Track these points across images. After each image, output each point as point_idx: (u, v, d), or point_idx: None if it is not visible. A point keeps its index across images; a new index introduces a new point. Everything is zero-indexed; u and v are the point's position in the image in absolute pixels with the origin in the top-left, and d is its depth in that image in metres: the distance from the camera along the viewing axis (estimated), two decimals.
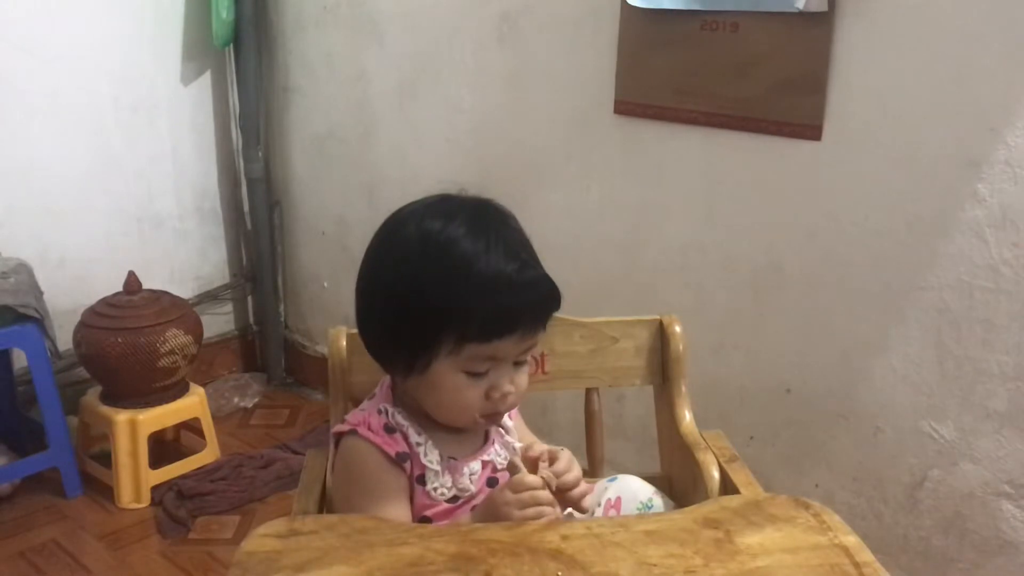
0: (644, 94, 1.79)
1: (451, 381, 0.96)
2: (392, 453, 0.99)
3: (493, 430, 1.07)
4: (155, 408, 2.20)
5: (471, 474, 1.02)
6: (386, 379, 1.06)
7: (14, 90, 2.24)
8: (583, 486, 0.98)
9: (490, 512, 0.94)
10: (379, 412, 1.02)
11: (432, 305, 0.93)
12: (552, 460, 0.97)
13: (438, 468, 1.00)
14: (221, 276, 2.76)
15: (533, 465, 0.96)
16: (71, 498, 2.17)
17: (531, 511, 0.91)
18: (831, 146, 1.58)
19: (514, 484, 0.93)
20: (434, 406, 1.00)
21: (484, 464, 1.04)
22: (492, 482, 1.03)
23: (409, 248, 0.96)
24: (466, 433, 1.04)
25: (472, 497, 1.02)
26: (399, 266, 0.96)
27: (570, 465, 0.98)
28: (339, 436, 1.03)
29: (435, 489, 1.00)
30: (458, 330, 0.93)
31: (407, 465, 0.99)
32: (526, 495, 0.92)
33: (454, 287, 0.93)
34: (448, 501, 1.01)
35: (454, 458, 1.02)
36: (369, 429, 1.00)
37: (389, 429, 1.00)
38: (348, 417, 1.04)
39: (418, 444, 1.00)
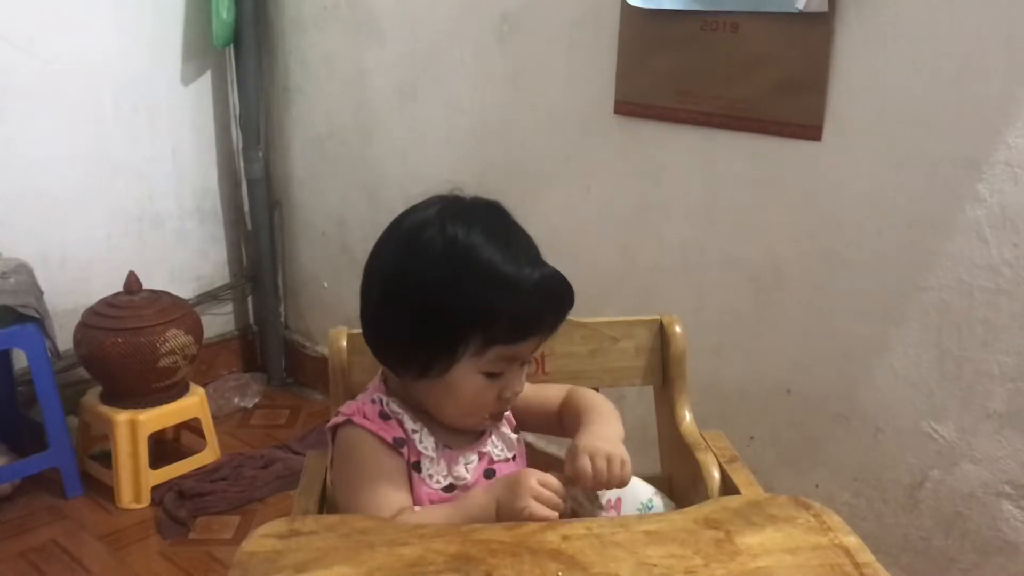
0: (644, 94, 1.79)
1: (470, 383, 0.97)
2: (389, 438, 1.00)
3: None
4: (155, 408, 2.20)
5: (467, 463, 1.03)
6: (377, 373, 1.07)
7: (14, 90, 2.24)
8: (615, 464, 0.97)
9: (507, 488, 0.93)
10: (373, 402, 1.03)
11: (460, 311, 0.94)
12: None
13: (433, 455, 1.01)
14: (221, 276, 2.76)
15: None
16: (71, 498, 2.17)
17: (541, 509, 0.91)
18: (831, 146, 1.58)
19: (548, 481, 0.93)
20: (448, 408, 1.00)
21: (481, 455, 1.05)
22: (489, 473, 1.04)
23: (432, 256, 0.96)
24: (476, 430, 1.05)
25: (467, 487, 1.02)
26: (423, 274, 0.96)
27: (585, 466, 0.97)
28: (335, 429, 1.03)
29: (430, 476, 1.01)
30: (485, 334, 0.95)
31: (404, 450, 1.00)
32: (549, 495, 0.92)
33: (483, 293, 0.94)
34: (444, 490, 1.01)
35: (449, 447, 1.03)
36: (364, 417, 1.01)
37: (384, 416, 1.01)
38: (342, 408, 1.04)
39: (413, 431, 1.01)
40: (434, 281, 0.95)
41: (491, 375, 0.98)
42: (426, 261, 0.96)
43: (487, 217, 0.99)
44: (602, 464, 0.96)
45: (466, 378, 0.97)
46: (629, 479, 0.98)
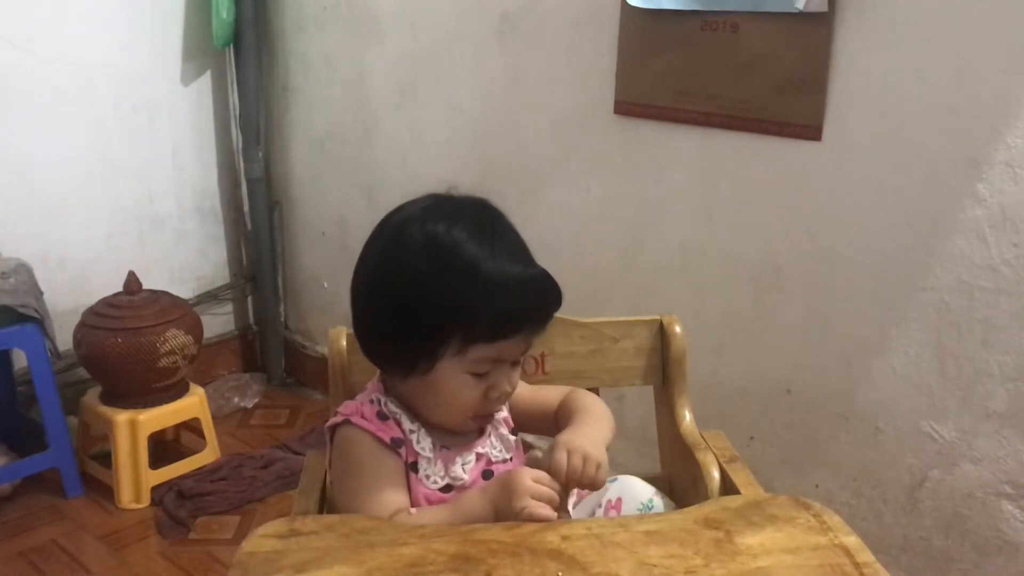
0: (644, 94, 1.79)
1: (454, 382, 0.97)
2: (387, 439, 1.00)
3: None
4: (155, 408, 2.20)
5: (464, 463, 1.03)
6: (376, 373, 1.07)
7: (14, 90, 2.24)
8: (590, 465, 0.96)
9: (503, 489, 0.93)
10: (371, 402, 1.03)
11: (439, 307, 0.94)
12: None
13: (430, 455, 1.01)
14: (221, 276, 2.76)
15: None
16: (71, 498, 2.17)
17: (540, 508, 0.90)
18: (831, 146, 1.58)
19: (542, 477, 0.92)
20: (431, 406, 1.01)
21: (479, 456, 1.05)
22: (487, 474, 1.04)
23: (414, 252, 0.96)
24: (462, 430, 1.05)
25: (465, 488, 1.02)
26: (404, 269, 0.97)
27: (561, 461, 0.96)
28: (333, 429, 1.04)
29: (427, 477, 1.01)
30: (465, 332, 0.94)
31: (402, 451, 1.00)
32: (547, 491, 0.91)
33: (462, 290, 0.94)
34: (441, 490, 1.01)
35: (447, 447, 1.03)
36: (362, 417, 1.01)
37: (382, 416, 1.01)
38: (340, 409, 1.05)
39: (411, 431, 1.01)
40: (414, 278, 0.95)
41: (477, 375, 0.97)
42: (407, 258, 0.96)
43: (472, 215, 0.98)
44: (577, 462, 0.95)
45: (450, 377, 0.97)
46: (602, 483, 0.98)
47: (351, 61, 2.40)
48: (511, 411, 1.11)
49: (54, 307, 2.20)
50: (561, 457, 0.95)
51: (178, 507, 2.11)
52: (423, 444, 1.01)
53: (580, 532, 0.87)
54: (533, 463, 0.96)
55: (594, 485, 0.97)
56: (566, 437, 0.98)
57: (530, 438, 1.37)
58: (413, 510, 0.97)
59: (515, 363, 1.01)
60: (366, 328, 1.03)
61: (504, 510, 0.92)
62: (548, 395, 1.14)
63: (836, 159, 1.59)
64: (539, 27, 1.96)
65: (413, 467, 1.01)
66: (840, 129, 1.57)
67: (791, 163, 1.64)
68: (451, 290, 0.94)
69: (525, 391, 1.13)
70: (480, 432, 1.07)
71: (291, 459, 2.30)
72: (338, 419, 1.03)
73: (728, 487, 1.10)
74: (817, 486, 1.73)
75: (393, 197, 1.05)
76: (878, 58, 1.50)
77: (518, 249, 0.99)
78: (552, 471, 0.94)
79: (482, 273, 0.94)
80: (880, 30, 1.49)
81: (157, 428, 2.23)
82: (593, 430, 1.02)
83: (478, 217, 0.99)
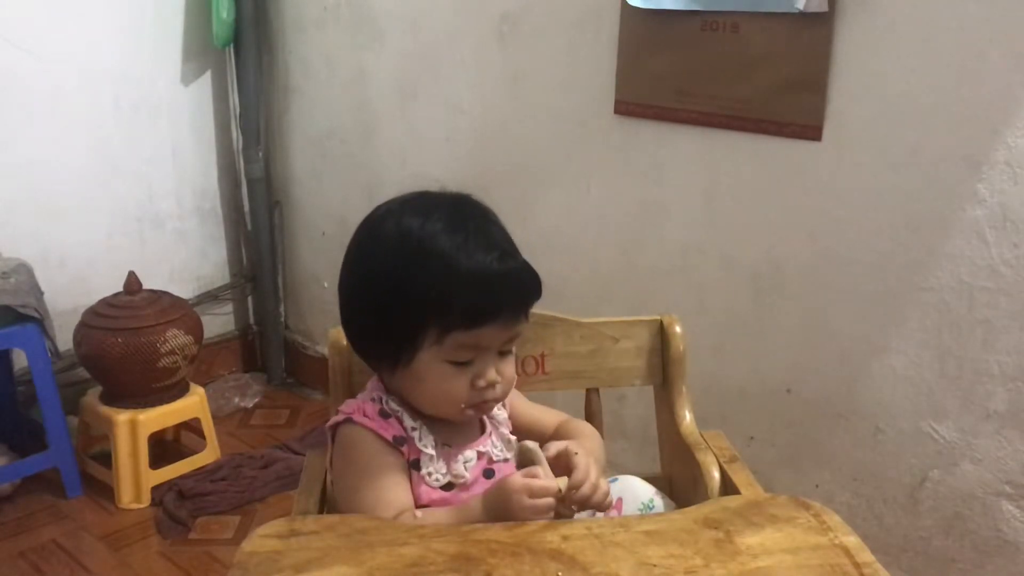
0: (644, 94, 1.79)
1: (436, 371, 0.98)
2: (389, 437, 1.00)
3: (489, 422, 1.08)
4: (155, 408, 2.20)
5: (466, 461, 1.03)
6: (376, 374, 1.08)
7: (14, 90, 2.24)
8: (600, 493, 0.96)
9: (501, 504, 0.93)
10: (372, 400, 1.04)
11: (415, 298, 0.96)
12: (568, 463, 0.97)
13: (432, 453, 1.01)
14: (221, 276, 2.76)
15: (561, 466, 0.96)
16: (71, 498, 2.17)
17: (542, 502, 0.91)
18: (831, 146, 1.58)
19: (534, 489, 0.92)
20: (421, 398, 1.01)
21: (480, 455, 1.05)
22: (488, 473, 1.04)
23: (389, 245, 0.98)
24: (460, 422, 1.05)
25: (466, 486, 1.02)
26: (379, 263, 0.99)
27: (586, 475, 0.96)
28: (335, 428, 1.04)
29: (429, 475, 1.01)
30: (441, 320, 0.96)
31: (404, 449, 1.01)
32: (543, 503, 0.91)
33: (434, 280, 0.95)
34: (443, 488, 1.01)
35: (448, 445, 1.03)
36: (364, 415, 1.01)
37: (384, 415, 1.02)
38: (341, 407, 1.05)
39: (413, 429, 1.02)
40: (389, 270, 0.98)
41: (458, 364, 0.98)
42: (382, 252, 0.99)
43: (448, 208, 1.00)
44: (596, 483, 0.95)
45: (432, 367, 0.98)
46: (603, 505, 0.97)
47: (351, 61, 2.40)
48: (511, 420, 1.11)
49: (54, 307, 2.20)
50: (591, 470, 0.95)
51: (178, 507, 2.11)
52: (425, 442, 1.01)
53: (580, 532, 0.87)
54: (526, 456, 0.96)
55: (588, 505, 0.97)
56: (593, 459, 0.98)
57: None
58: (419, 512, 0.97)
59: (504, 353, 1.01)
60: (352, 324, 1.05)
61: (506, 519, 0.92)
62: (545, 417, 1.16)
63: (836, 159, 1.59)
64: (539, 27, 1.96)
65: (415, 465, 1.01)
66: (840, 129, 1.57)
67: (791, 163, 1.64)
68: (424, 281, 0.95)
69: (525, 408, 1.15)
70: (481, 430, 1.07)
71: (291, 459, 2.30)
72: (340, 417, 1.03)
73: (728, 487, 1.10)
74: (817, 486, 1.73)
75: (393, 197, 1.06)
76: (878, 58, 1.50)
77: (496, 240, 0.99)
78: (580, 473, 0.94)
79: (453, 263, 0.95)
80: (880, 30, 1.49)
81: (157, 428, 2.23)
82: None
83: (454, 210, 1.00)
